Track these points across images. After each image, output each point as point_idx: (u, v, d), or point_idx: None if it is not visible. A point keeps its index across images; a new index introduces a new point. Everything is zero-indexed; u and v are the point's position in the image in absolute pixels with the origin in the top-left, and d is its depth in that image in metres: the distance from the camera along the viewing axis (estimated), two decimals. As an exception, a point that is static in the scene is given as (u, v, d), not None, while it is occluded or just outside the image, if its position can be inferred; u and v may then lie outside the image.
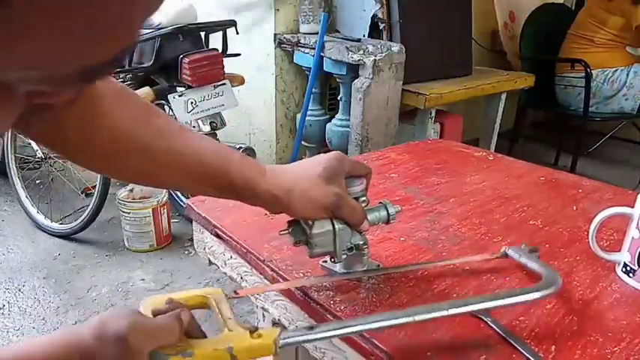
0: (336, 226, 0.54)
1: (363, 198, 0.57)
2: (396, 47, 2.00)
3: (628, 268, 0.61)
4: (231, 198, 0.55)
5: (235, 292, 0.53)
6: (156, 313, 0.43)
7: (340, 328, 0.46)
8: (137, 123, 0.51)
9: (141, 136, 0.50)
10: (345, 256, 0.57)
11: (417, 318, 0.47)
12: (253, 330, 0.44)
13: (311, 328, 0.46)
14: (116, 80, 0.55)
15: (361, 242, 0.57)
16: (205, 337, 0.45)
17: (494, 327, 0.51)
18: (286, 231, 0.56)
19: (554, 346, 0.49)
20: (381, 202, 0.59)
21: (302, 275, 0.61)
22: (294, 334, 0.45)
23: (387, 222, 0.59)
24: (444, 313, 0.48)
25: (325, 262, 0.62)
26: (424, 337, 0.50)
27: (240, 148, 1.91)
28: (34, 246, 2.14)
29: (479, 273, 0.62)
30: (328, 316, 0.55)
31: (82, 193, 2.42)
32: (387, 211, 0.58)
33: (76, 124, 0.47)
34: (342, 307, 0.55)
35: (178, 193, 2.19)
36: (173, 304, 0.45)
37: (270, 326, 0.70)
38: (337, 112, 2.23)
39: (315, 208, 0.53)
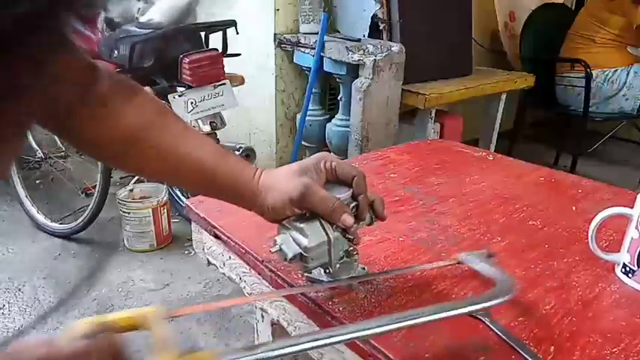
0: (331, 235, 0.52)
1: (351, 204, 0.54)
2: (396, 47, 2.00)
3: (627, 269, 0.60)
4: (220, 198, 0.58)
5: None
6: (86, 338, 0.39)
7: (280, 348, 0.42)
8: (147, 123, 0.54)
9: (153, 138, 0.54)
10: (338, 265, 0.55)
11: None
12: (182, 355, 0.39)
13: (251, 348, 0.41)
14: (126, 77, 0.59)
15: (350, 248, 0.55)
16: None
17: (493, 328, 0.51)
18: (277, 247, 0.53)
19: (552, 347, 0.49)
20: None
21: (300, 276, 0.61)
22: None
23: (370, 223, 0.57)
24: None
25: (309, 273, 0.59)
26: (423, 338, 0.50)
27: (240, 148, 1.91)
28: (34, 246, 2.14)
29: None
30: (327, 317, 0.55)
31: (82, 193, 2.42)
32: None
33: (88, 122, 0.51)
34: (340, 309, 0.55)
35: (178, 193, 2.19)
36: (102, 327, 0.41)
37: (269, 328, 0.70)
38: (337, 112, 2.23)
39: (283, 201, 0.53)
